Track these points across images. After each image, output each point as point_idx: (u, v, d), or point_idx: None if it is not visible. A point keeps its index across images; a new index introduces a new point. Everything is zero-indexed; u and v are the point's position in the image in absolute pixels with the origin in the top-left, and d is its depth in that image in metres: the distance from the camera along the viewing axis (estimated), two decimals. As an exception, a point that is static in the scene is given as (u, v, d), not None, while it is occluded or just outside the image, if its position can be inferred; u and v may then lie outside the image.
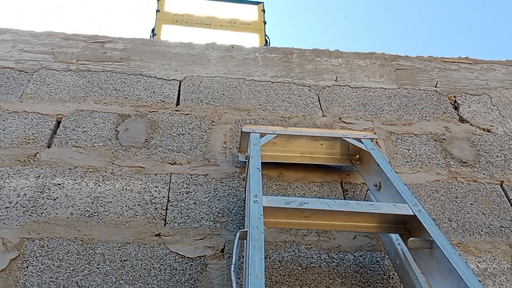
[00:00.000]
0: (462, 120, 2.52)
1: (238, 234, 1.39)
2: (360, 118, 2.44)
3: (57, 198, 1.82)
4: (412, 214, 1.51)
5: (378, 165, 1.80)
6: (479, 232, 1.91)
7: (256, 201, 1.48)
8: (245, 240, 1.40)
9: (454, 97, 2.68)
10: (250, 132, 1.97)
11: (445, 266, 1.36)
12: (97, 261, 1.62)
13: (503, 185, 2.14)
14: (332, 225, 1.61)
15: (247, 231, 1.40)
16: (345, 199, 2.00)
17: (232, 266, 1.27)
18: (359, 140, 2.00)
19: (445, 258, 1.34)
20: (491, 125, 2.49)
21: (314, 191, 2.02)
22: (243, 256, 1.68)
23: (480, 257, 1.82)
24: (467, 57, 3.08)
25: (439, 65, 2.96)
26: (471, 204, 2.03)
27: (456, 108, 2.61)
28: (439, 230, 1.43)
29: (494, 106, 2.64)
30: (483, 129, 2.46)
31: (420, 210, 1.52)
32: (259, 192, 1.53)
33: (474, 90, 2.75)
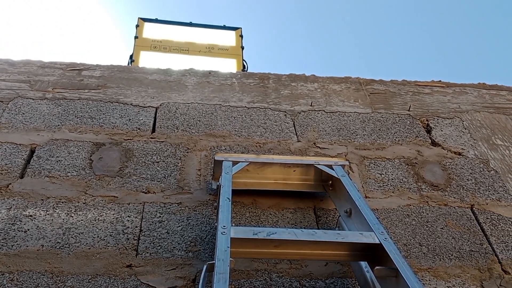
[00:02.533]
0: (434, 143, 2.57)
1: (205, 267, 1.40)
2: (334, 143, 2.48)
3: (28, 230, 1.81)
4: (378, 242, 1.53)
5: (348, 192, 1.83)
6: (449, 256, 1.94)
7: (224, 232, 1.49)
8: (213, 272, 1.41)
9: (427, 120, 2.73)
10: (222, 160, 1.99)
11: (409, 295, 1.38)
12: (66, 294, 1.62)
13: (473, 208, 2.18)
14: (302, 254, 1.63)
15: (214, 263, 1.41)
16: (317, 225, 2.02)
17: (197, 301, 1.28)
18: (330, 166, 2.03)
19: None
20: (462, 148, 2.54)
21: (288, 217, 2.03)
22: None
23: (449, 281, 1.84)
24: (440, 81, 3.14)
25: (413, 88, 3.02)
26: (442, 228, 2.06)
27: (428, 131, 2.66)
28: (403, 259, 1.45)
29: (465, 129, 2.70)
30: (455, 153, 2.51)
31: (386, 238, 1.54)
32: (227, 223, 1.54)
33: (446, 113, 2.81)
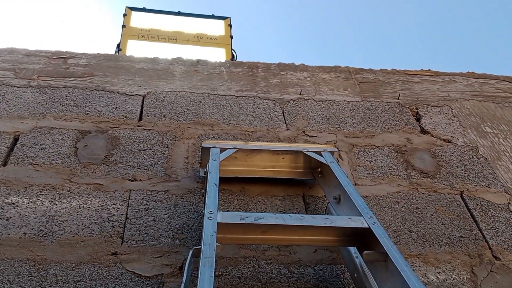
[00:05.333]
0: (423, 131, 2.55)
1: (191, 252, 1.37)
2: (324, 131, 2.45)
3: (11, 217, 1.77)
4: (367, 227, 1.51)
5: (337, 178, 1.81)
6: (439, 242, 1.92)
7: (211, 217, 1.46)
8: (199, 258, 1.39)
9: (416, 108, 2.72)
10: (210, 147, 1.96)
11: (398, 279, 1.36)
12: (49, 283, 1.58)
13: (463, 195, 2.17)
14: (290, 240, 1.61)
15: (200, 248, 1.38)
16: (306, 212, 2.00)
17: (182, 285, 1.25)
18: (319, 153, 2.00)
19: (398, 271, 1.35)
20: (451, 136, 2.53)
21: (276, 205, 2.01)
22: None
23: (439, 267, 1.83)
24: (429, 70, 3.13)
25: (402, 77, 3.00)
26: (431, 214, 2.05)
27: (418, 119, 2.64)
28: (392, 243, 1.43)
29: (455, 117, 2.69)
30: (444, 140, 2.50)
31: (374, 222, 1.52)
32: (214, 208, 1.51)
33: (436, 101, 2.80)
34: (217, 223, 1.45)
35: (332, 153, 2.02)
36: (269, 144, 2.07)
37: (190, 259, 1.35)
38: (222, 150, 1.95)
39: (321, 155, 1.99)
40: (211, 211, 1.49)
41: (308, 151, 2.01)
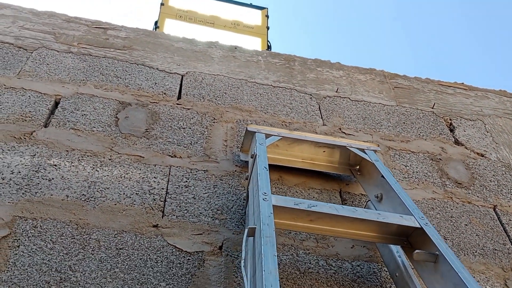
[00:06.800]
0: (457, 142, 2.55)
1: (246, 231, 1.36)
2: (360, 130, 2.45)
3: (53, 179, 1.75)
4: (419, 226, 1.50)
5: (383, 176, 1.80)
6: (473, 252, 1.92)
7: (266, 199, 1.45)
8: (253, 237, 1.37)
9: (450, 119, 2.72)
10: (255, 132, 1.94)
11: (450, 281, 1.35)
12: (92, 247, 1.56)
13: (496, 209, 2.17)
14: (335, 231, 1.60)
15: (255, 228, 1.37)
16: (343, 208, 1.99)
17: (243, 261, 1.24)
18: (362, 150, 2.00)
19: (452, 273, 1.34)
20: (485, 150, 2.53)
21: (314, 197, 2.00)
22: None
23: (474, 277, 1.82)
24: (462, 83, 3.13)
25: (436, 87, 3.00)
26: (466, 224, 2.05)
27: (451, 130, 2.64)
28: (446, 244, 1.43)
29: (488, 132, 2.69)
30: (477, 153, 2.50)
31: (426, 223, 1.52)
32: (268, 190, 1.50)
33: (469, 115, 2.80)
34: (272, 205, 1.43)
35: (375, 151, 2.02)
36: (313, 135, 2.06)
37: (246, 238, 1.34)
38: (267, 136, 1.94)
39: (365, 153, 1.98)
40: (265, 193, 1.48)
41: (351, 147, 2.00)
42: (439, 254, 1.41)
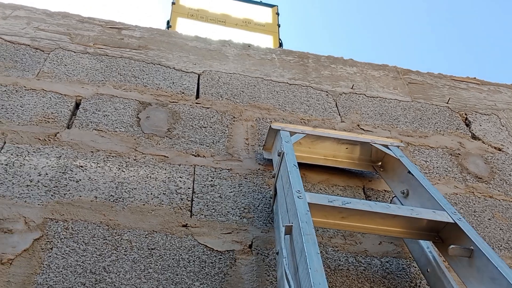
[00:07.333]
0: (474, 137, 2.56)
1: (283, 229, 1.36)
2: (378, 126, 2.45)
3: (80, 180, 1.75)
4: (453, 221, 1.51)
5: (410, 172, 1.80)
6: (498, 246, 1.93)
7: (300, 196, 1.45)
8: (289, 236, 1.37)
9: (465, 114, 2.72)
10: (279, 130, 1.94)
11: (487, 275, 1.36)
12: (124, 248, 1.56)
13: (517, 203, 2.18)
14: (366, 228, 1.60)
15: (291, 226, 1.37)
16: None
17: (285, 260, 1.24)
18: (386, 146, 2.00)
19: (490, 267, 1.34)
20: (502, 145, 2.54)
21: (338, 194, 2.00)
22: (274, 252, 1.65)
23: (500, 271, 1.83)
24: (475, 78, 3.14)
25: (449, 82, 3.01)
26: (489, 219, 2.05)
27: (467, 125, 2.65)
28: (481, 239, 1.43)
29: (503, 126, 2.70)
30: (495, 148, 2.51)
31: (460, 218, 1.52)
32: (301, 188, 1.50)
33: (484, 109, 2.81)
34: (308, 203, 1.43)
35: (398, 147, 2.02)
36: (337, 132, 2.06)
37: (285, 236, 1.34)
38: (292, 133, 1.94)
39: (388, 149, 1.99)
40: (299, 191, 1.48)
41: (375, 143, 2.01)
42: (474, 249, 1.42)
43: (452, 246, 1.45)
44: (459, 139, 2.50)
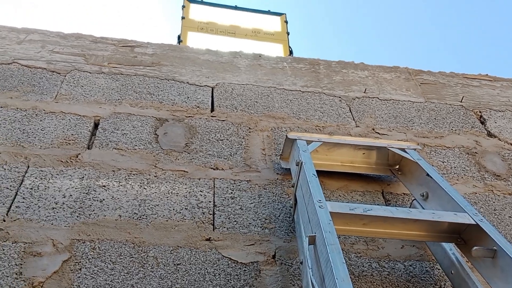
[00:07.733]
0: (490, 134, 2.55)
1: (307, 239, 1.38)
2: (393, 129, 2.46)
3: (104, 199, 1.78)
4: (475, 223, 1.51)
5: (428, 175, 1.81)
6: (521, 244, 1.92)
7: (321, 206, 1.47)
8: (313, 245, 1.39)
9: (480, 112, 2.72)
10: (296, 139, 1.96)
11: (511, 275, 1.36)
12: (150, 264, 1.59)
13: (538, 199, 2.17)
14: (387, 233, 1.61)
15: (315, 236, 1.39)
16: (387, 209, 2.00)
17: (310, 270, 1.25)
18: (403, 150, 2.01)
19: (515, 267, 1.35)
20: (519, 141, 2.53)
21: (357, 200, 2.01)
22: (297, 262, 1.67)
23: (525, 269, 1.83)
24: (487, 74, 3.13)
25: (462, 81, 3.00)
26: (510, 216, 2.05)
27: (482, 123, 2.64)
28: (504, 239, 1.44)
29: (519, 122, 2.69)
30: (511, 144, 2.50)
31: (481, 219, 1.52)
32: (321, 197, 1.52)
33: (498, 106, 2.80)
34: (329, 212, 1.45)
35: (415, 150, 2.03)
36: (353, 138, 2.08)
37: (309, 247, 1.36)
38: (308, 142, 1.96)
39: (405, 152, 2.00)
40: (320, 200, 1.49)
41: (392, 147, 2.02)
42: (498, 249, 1.42)
43: (475, 247, 1.46)
44: (475, 137, 2.50)
